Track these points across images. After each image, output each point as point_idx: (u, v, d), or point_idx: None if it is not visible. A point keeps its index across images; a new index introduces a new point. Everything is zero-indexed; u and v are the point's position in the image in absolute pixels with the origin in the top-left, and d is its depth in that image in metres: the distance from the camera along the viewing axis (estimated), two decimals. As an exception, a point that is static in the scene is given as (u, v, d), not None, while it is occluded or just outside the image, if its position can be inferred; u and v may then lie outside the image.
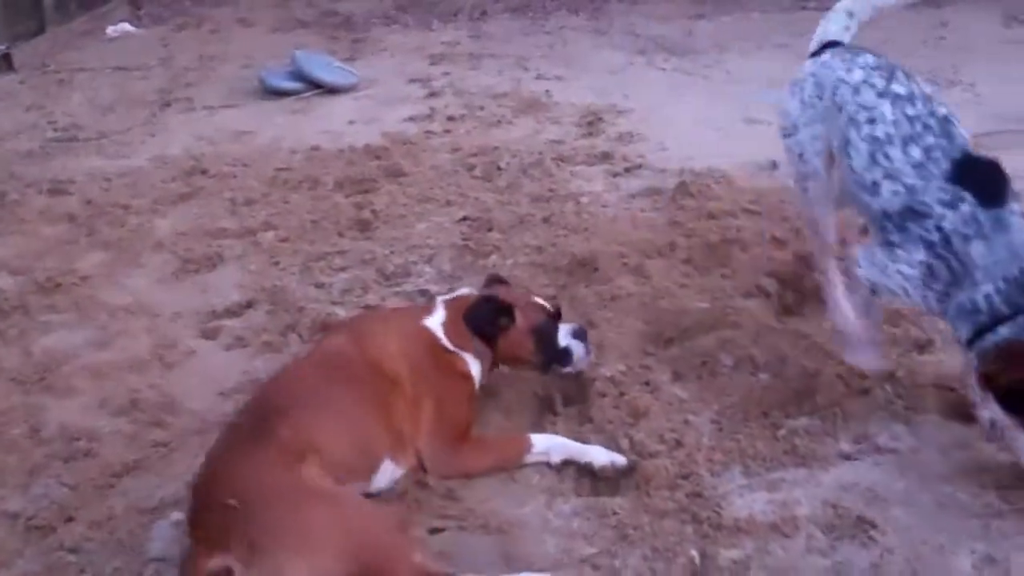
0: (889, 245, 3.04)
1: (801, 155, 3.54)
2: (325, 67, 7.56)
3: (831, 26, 3.69)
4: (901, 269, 3.00)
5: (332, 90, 7.42)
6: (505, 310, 3.24)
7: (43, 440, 3.38)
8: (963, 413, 3.14)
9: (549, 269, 4.30)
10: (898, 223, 3.00)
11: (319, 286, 4.32)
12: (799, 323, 3.81)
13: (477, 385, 3.25)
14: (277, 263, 4.58)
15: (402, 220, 4.95)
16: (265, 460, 2.63)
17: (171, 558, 2.74)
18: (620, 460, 3.02)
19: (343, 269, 4.47)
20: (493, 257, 4.42)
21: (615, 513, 2.87)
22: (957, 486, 2.94)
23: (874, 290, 3.17)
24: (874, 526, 2.80)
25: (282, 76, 7.50)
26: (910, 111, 3.09)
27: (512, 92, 7.20)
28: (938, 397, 3.30)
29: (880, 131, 3.11)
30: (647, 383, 3.45)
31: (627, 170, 5.56)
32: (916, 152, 3.01)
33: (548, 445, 3.09)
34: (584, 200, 5.11)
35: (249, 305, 4.23)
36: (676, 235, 4.54)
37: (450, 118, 6.64)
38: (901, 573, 2.65)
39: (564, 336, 3.31)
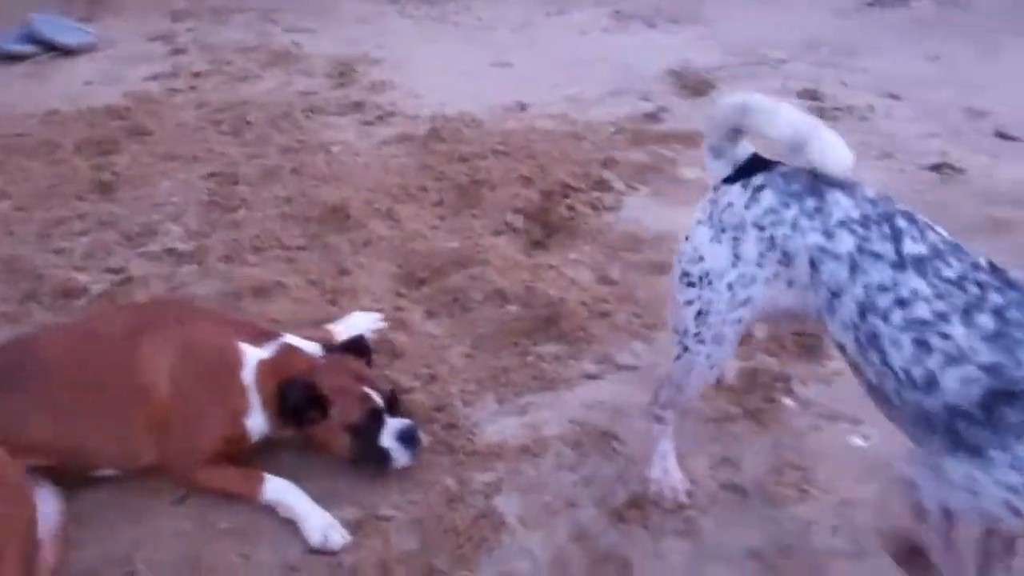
0: (972, 452, 2.06)
1: (705, 314, 2.50)
2: (60, 28, 7.08)
3: (738, 149, 2.51)
4: (1003, 479, 1.99)
5: (68, 52, 6.97)
6: (318, 402, 2.77)
7: None
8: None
9: (300, 219, 4.24)
10: (981, 419, 2.03)
11: (59, 252, 4.09)
12: (545, 255, 3.95)
13: (250, 435, 2.86)
14: (12, 232, 4.31)
15: (145, 180, 4.74)
16: None
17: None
18: (335, 541, 2.60)
19: (84, 233, 4.24)
20: (241, 211, 4.31)
21: (373, 452, 2.91)
22: (693, 394, 3.14)
23: (947, 515, 2.12)
24: (617, 438, 2.96)
25: (14, 39, 6.98)
26: (949, 272, 2.14)
27: (260, 46, 6.99)
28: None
29: (923, 310, 2.14)
30: (401, 324, 3.48)
31: (379, 118, 5.54)
32: (986, 320, 2.06)
33: (278, 498, 2.72)
34: (335, 149, 5.06)
35: (-16, 277, 3.98)
36: (427, 179, 4.58)
37: (195, 74, 6.39)
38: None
39: (388, 437, 2.79)
